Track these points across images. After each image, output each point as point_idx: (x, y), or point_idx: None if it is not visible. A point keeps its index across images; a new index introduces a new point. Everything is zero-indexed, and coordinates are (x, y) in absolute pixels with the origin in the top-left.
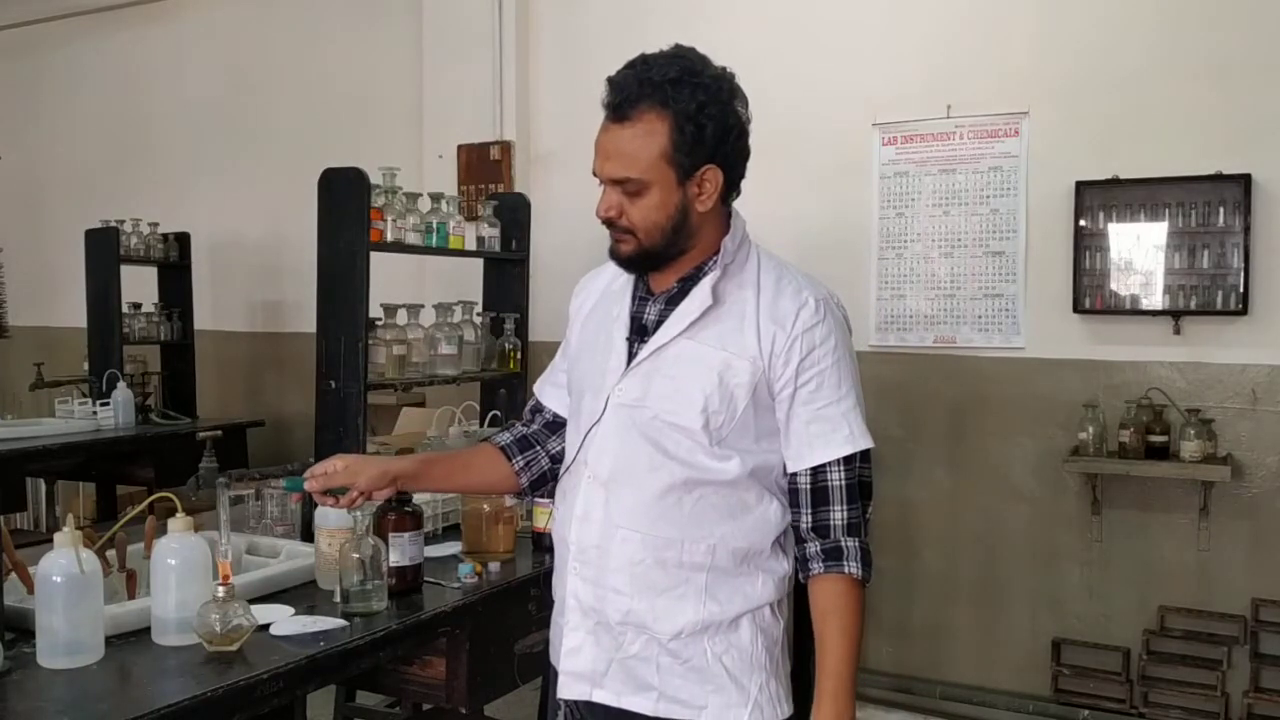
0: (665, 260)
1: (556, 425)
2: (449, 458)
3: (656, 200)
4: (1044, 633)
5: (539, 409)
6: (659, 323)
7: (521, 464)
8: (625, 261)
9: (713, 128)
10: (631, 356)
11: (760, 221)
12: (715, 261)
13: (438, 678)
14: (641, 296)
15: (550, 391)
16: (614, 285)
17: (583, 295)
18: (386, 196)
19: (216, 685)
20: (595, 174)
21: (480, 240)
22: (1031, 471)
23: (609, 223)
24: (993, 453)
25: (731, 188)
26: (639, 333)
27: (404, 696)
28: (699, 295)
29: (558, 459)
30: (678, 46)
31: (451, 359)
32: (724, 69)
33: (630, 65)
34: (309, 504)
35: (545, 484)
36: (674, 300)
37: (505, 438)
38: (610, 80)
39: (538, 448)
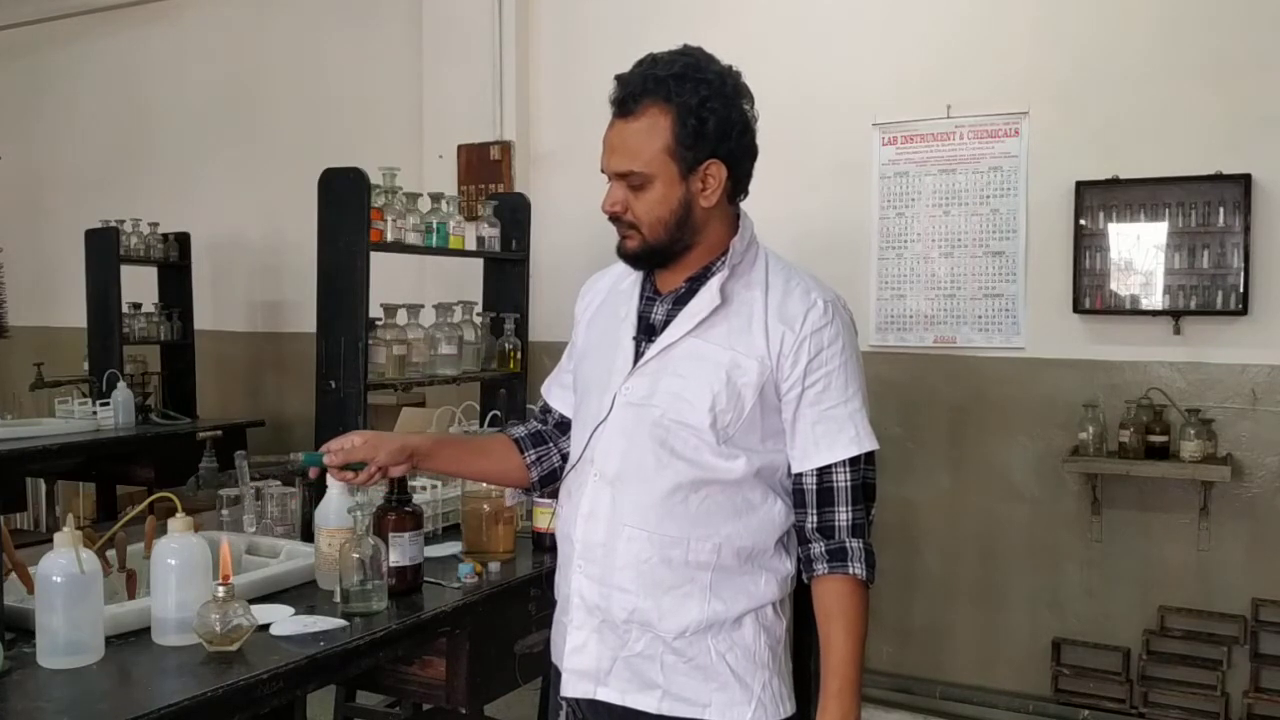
0: (670, 256)
1: (565, 425)
2: (464, 441)
3: (659, 194)
4: (1044, 633)
5: (548, 409)
6: (666, 322)
7: (534, 458)
8: (631, 257)
9: (715, 122)
10: (639, 355)
11: (760, 221)
12: (723, 261)
13: (438, 678)
14: (649, 296)
15: (557, 393)
16: (621, 285)
17: (589, 296)
18: (386, 196)
19: (216, 685)
20: (603, 170)
21: (480, 240)
22: (1031, 471)
23: (614, 218)
24: (993, 453)
25: (738, 186)
26: (646, 332)
27: (404, 696)
28: (707, 294)
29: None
30: (685, 46)
31: (451, 359)
32: (730, 66)
33: (639, 63)
34: (313, 490)
35: (555, 480)
36: (682, 300)
37: (520, 431)
38: (618, 77)
39: (550, 444)
